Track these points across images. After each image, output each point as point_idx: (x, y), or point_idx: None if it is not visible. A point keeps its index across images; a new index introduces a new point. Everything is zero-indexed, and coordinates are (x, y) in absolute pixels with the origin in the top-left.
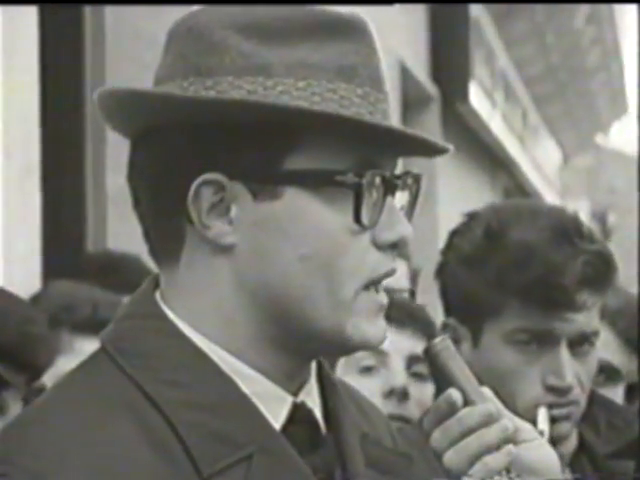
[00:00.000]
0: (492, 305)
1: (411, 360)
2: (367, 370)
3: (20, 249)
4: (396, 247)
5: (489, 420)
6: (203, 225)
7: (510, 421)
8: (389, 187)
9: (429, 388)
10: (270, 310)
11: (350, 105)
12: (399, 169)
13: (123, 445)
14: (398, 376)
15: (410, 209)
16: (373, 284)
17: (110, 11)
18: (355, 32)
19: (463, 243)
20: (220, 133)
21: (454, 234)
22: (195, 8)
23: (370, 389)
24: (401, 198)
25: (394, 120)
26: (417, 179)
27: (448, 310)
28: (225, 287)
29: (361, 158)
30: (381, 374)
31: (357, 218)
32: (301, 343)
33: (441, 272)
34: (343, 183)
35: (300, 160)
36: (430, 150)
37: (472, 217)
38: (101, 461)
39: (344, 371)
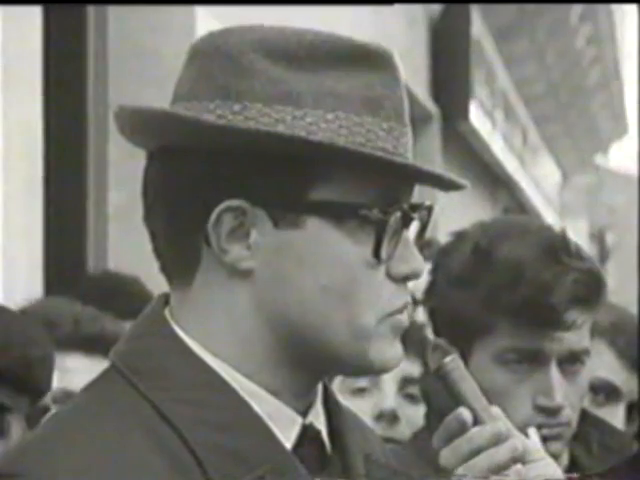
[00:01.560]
0: (481, 325)
1: (404, 382)
2: (360, 391)
3: (22, 265)
4: (408, 280)
5: (498, 440)
6: (221, 249)
7: (519, 441)
8: (406, 220)
9: (421, 410)
10: (287, 334)
11: (376, 139)
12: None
13: (138, 463)
14: (388, 399)
15: (419, 237)
16: (390, 315)
17: (113, 27)
18: (380, 63)
19: (451, 262)
20: (245, 159)
21: (442, 253)
22: (196, 16)
23: (361, 411)
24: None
25: None
26: (430, 210)
27: (436, 330)
28: (241, 310)
29: (383, 191)
30: (373, 396)
31: (376, 253)
32: (317, 365)
33: (430, 292)
34: (367, 218)
35: (324, 191)
36: (449, 186)
37: (460, 236)
38: (116, 478)
39: (337, 392)
